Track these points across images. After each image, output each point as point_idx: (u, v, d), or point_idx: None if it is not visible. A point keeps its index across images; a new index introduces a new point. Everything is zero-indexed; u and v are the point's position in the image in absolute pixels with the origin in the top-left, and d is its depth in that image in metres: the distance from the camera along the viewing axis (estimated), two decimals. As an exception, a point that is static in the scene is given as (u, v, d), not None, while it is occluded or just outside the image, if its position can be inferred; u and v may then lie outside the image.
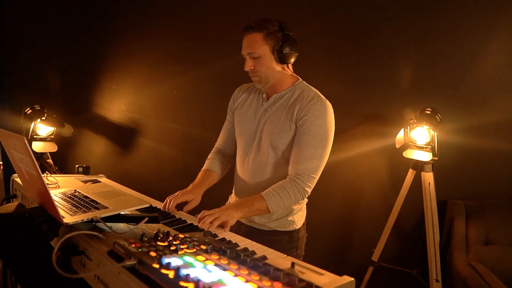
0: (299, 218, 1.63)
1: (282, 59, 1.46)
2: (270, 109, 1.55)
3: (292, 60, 1.50)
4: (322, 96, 1.51)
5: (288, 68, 1.52)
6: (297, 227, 1.62)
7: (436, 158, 2.20)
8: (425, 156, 2.20)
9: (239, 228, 1.63)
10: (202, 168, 1.70)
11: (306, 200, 1.64)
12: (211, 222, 1.25)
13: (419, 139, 2.22)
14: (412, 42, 2.46)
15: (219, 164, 1.71)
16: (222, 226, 1.29)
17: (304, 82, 1.58)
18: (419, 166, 2.30)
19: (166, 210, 1.43)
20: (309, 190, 1.48)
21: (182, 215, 1.41)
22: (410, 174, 2.34)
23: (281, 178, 1.49)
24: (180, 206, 1.50)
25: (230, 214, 1.32)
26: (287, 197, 1.43)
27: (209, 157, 1.75)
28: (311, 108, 1.45)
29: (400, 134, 2.30)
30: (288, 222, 1.59)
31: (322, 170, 1.49)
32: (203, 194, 1.59)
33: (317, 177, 1.48)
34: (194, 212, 1.45)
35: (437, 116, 2.17)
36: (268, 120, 1.54)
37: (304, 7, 2.63)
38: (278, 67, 1.49)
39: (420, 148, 2.22)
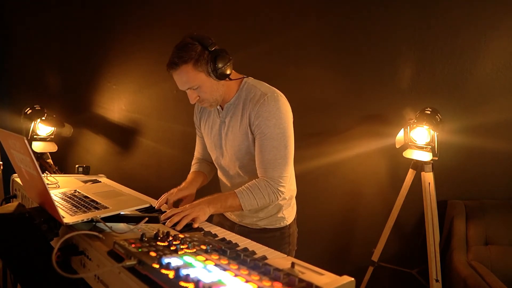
0: (289, 213, 1.63)
1: (221, 77, 1.39)
2: (227, 120, 1.53)
3: (230, 70, 1.41)
4: (270, 90, 1.45)
5: (229, 77, 1.44)
6: (287, 223, 1.62)
7: (436, 158, 2.20)
8: (425, 156, 2.20)
9: (232, 228, 1.64)
10: (190, 171, 1.72)
11: (295, 193, 1.66)
12: (179, 221, 1.24)
13: (419, 139, 2.22)
14: (412, 42, 2.46)
15: (204, 166, 1.74)
16: (192, 221, 1.27)
17: (250, 79, 1.52)
18: (419, 166, 2.30)
19: (161, 208, 1.45)
20: (284, 190, 1.46)
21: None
22: (410, 174, 2.34)
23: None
24: (176, 204, 1.50)
25: (201, 210, 1.31)
26: (260, 197, 1.42)
27: (193, 163, 1.78)
28: (260, 110, 1.41)
29: (400, 134, 2.30)
30: (278, 219, 1.59)
31: (291, 165, 1.48)
32: (196, 194, 1.60)
33: (288, 175, 1.47)
34: None
35: (437, 116, 2.17)
36: (228, 131, 1.53)
37: (304, 7, 2.63)
38: (220, 83, 1.43)
39: (420, 148, 2.22)
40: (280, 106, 1.42)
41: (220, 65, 1.37)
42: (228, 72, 1.41)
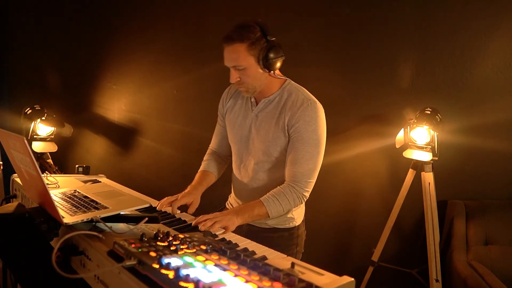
0: (298, 215, 1.63)
1: (268, 67, 1.41)
2: (260, 114, 1.53)
3: (279, 65, 1.44)
4: (311, 98, 1.48)
5: (274, 71, 1.46)
6: (297, 224, 1.63)
7: (436, 158, 2.20)
8: (425, 156, 2.20)
9: (240, 227, 1.63)
10: (199, 170, 1.71)
11: None
12: (212, 225, 1.27)
13: (419, 139, 2.22)
14: (412, 42, 2.46)
15: (215, 164, 1.72)
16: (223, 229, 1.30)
17: (292, 82, 1.55)
18: (419, 166, 2.30)
19: (161, 209, 1.45)
20: (307, 195, 1.49)
21: (182, 215, 1.41)
22: (410, 174, 2.34)
23: (277, 180, 1.51)
24: (180, 209, 1.50)
25: (230, 220, 1.33)
26: (286, 202, 1.44)
27: (205, 158, 1.76)
28: (302, 114, 1.43)
29: (400, 134, 2.30)
30: (288, 219, 1.60)
31: (317, 172, 1.50)
32: (202, 194, 1.60)
33: (314, 181, 1.49)
34: (195, 213, 1.46)
35: (437, 116, 2.17)
36: (259, 126, 1.53)
37: (304, 7, 2.63)
38: (265, 75, 1.45)
39: (420, 148, 2.22)
40: (320, 114, 1.46)
41: (271, 56, 1.39)
42: (276, 66, 1.43)
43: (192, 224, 1.29)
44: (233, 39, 1.37)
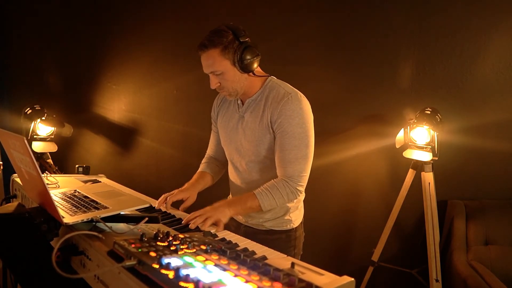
0: (296, 217, 1.62)
1: (245, 69, 1.41)
2: (246, 115, 1.54)
3: (256, 65, 1.44)
4: (293, 91, 1.47)
5: (254, 71, 1.46)
6: (294, 226, 1.62)
7: (436, 158, 2.20)
8: (425, 156, 2.20)
9: (238, 228, 1.64)
10: (197, 171, 1.73)
11: (303, 197, 1.63)
12: (203, 222, 1.27)
13: (419, 139, 2.22)
14: (412, 42, 2.46)
15: (212, 167, 1.73)
16: (215, 224, 1.29)
17: (274, 78, 1.54)
18: (419, 166, 2.30)
19: (161, 207, 1.46)
20: (302, 189, 1.47)
21: (182, 215, 1.41)
22: (410, 174, 2.34)
23: (271, 179, 1.49)
24: (176, 205, 1.51)
25: (222, 212, 1.33)
26: (279, 196, 1.43)
27: (203, 161, 1.78)
28: (283, 109, 1.42)
29: (400, 134, 2.30)
30: (285, 221, 1.59)
31: (310, 165, 1.48)
32: (200, 194, 1.61)
33: (307, 174, 1.47)
34: (190, 210, 1.46)
35: (437, 116, 2.17)
36: (246, 127, 1.53)
37: (304, 7, 2.63)
38: (244, 76, 1.45)
39: (420, 148, 2.22)
40: (303, 106, 1.44)
41: (246, 58, 1.39)
42: (253, 66, 1.43)
43: (183, 222, 1.28)
44: (206, 45, 1.38)
